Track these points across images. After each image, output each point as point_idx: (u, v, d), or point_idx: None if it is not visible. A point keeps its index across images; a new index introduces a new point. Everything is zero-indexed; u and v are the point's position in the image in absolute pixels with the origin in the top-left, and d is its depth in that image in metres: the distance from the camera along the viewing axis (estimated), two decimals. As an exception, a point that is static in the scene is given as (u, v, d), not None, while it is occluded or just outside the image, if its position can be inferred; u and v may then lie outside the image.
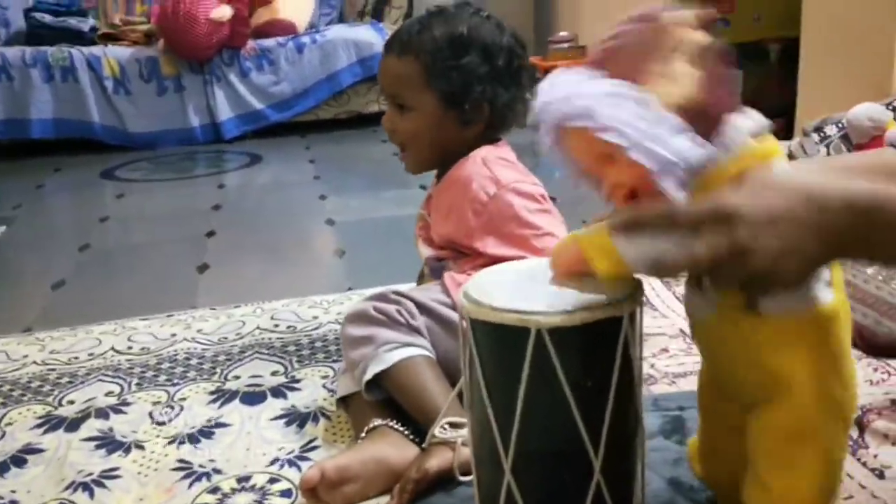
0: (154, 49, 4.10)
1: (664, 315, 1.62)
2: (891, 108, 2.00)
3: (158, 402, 1.40)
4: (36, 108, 3.93)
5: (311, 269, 2.28)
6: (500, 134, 1.35)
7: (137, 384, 1.48)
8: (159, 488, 1.15)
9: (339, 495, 1.05)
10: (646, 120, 0.70)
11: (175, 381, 1.48)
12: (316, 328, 1.67)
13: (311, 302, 1.82)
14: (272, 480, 1.15)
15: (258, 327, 1.70)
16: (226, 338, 1.66)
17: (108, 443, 1.28)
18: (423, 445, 1.10)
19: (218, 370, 1.51)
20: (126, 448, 1.26)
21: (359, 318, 1.23)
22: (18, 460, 1.25)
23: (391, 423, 1.14)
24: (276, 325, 1.70)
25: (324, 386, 1.41)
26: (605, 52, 0.75)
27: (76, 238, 2.62)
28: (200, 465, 1.20)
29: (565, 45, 4.07)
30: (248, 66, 4.13)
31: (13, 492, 1.17)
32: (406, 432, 1.13)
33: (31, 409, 1.41)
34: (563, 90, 0.75)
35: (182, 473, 1.18)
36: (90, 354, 1.62)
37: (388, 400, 1.19)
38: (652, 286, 1.74)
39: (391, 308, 1.22)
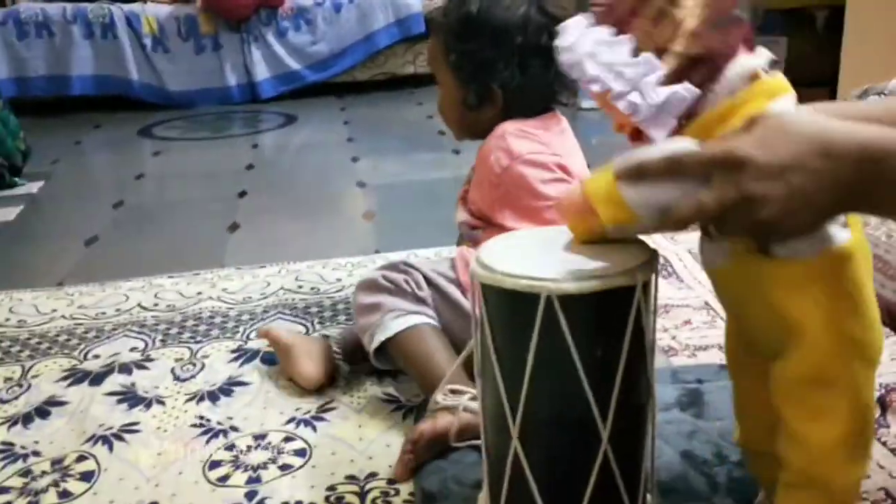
0: (192, 7, 4.11)
1: (689, 287, 1.59)
2: (936, 78, 1.94)
3: (181, 359, 1.42)
4: (76, 64, 3.97)
5: (341, 232, 2.28)
6: (523, 114, 1.28)
7: (161, 341, 1.49)
8: (177, 444, 1.17)
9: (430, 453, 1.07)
10: (628, 66, 0.71)
11: (198, 338, 1.49)
12: (339, 290, 1.68)
13: (335, 264, 1.82)
14: (287, 439, 1.16)
15: (282, 287, 1.71)
16: (250, 297, 1.67)
17: (130, 398, 1.30)
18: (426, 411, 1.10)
19: (241, 329, 1.52)
20: (147, 403, 1.28)
21: (368, 286, 1.25)
22: (42, 412, 1.27)
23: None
24: (301, 287, 1.71)
25: (343, 348, 1.41)
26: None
27: (111, 195, 2.65)
28: (218, 423, 1.22)
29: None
30: (285, 26, 4.12)
31: (36, 442, 1.19)
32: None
33: (56, 363, 1.43)
34: (566, 41, 0.75)
35: (200, 430, 1.20)
36: (117, 310, 1.64)
37: None
38: (680, 258, 1.71)
39: (399, 277, 1.24)
